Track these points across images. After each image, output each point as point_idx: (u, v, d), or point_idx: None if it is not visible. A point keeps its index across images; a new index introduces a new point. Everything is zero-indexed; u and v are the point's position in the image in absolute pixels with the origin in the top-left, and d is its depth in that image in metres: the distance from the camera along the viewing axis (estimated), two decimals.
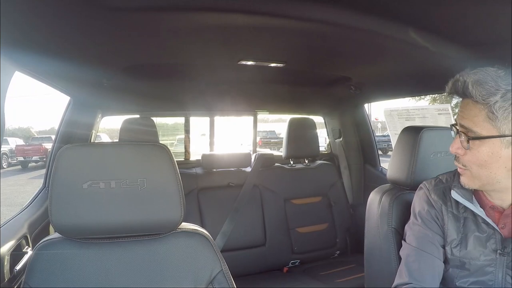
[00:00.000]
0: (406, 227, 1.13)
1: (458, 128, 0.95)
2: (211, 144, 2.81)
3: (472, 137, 0.91)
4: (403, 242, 1.12)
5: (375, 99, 2.56)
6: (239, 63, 1.60)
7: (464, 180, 0.98)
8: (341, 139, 2.83)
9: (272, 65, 1.64)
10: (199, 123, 3.09)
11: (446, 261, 1.05)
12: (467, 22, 1.06)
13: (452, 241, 1.03)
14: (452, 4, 0.93)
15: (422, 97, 9.73)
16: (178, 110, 2.64)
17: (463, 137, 0.93)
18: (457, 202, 1.04)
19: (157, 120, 2.74)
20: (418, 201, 1.12)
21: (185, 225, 1.04)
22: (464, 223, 1.02)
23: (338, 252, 2.64)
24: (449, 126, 1.01)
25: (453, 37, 1.19)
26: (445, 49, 1.26)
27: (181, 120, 2.79)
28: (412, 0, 0.93)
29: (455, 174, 1.07)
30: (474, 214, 1.01)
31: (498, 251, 0.97)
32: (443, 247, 1.05)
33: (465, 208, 1.02)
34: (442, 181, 1.09)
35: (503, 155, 0.88)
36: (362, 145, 2.73)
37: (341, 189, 2.75)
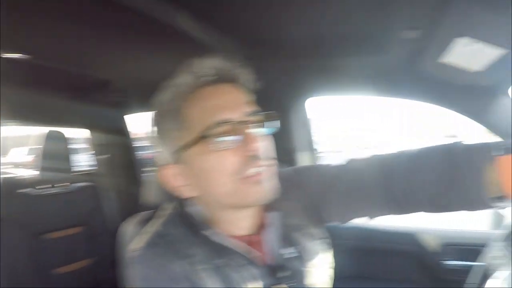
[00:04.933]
0: None
1: None
2: None
3: None
4: None
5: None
6: None
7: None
8: (107, 155, 2.53)
9: None
10: None
11: None
12: (250, 21, 1.08)
13: None
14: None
15: None
16: None
17: None
18: (203, 255, 0.70)
19: None
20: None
21: None
22: (224, 280, 0.69)
23: None
24: None
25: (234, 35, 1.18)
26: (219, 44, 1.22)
27: None
28: None
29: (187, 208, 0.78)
30: (230, 259, 0.71)
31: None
32: None
33: (215, 255, 0.71)
34: (165, 234, 0.72)
35: None
36: (127, 161, 2.52)
37: (106, 215, 2.37)
